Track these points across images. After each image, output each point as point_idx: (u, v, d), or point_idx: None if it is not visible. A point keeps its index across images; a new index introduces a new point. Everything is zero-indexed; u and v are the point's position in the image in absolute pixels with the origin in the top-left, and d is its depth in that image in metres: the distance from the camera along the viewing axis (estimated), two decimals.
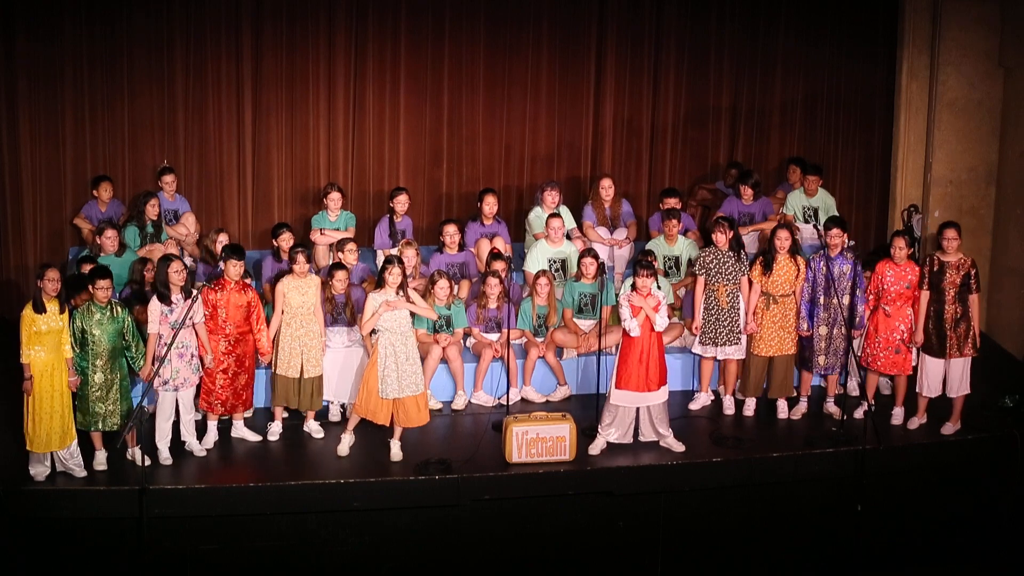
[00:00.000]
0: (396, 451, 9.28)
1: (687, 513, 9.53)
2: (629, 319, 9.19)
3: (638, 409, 9.40)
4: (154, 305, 9.00)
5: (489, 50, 12.43)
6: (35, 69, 11.47)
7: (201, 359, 9.22)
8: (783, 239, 9.98)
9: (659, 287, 10.56)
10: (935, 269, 9.71)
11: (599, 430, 9.46)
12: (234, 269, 9.31)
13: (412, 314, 9.29)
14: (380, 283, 9.29)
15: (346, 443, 9.37)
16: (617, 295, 10.63)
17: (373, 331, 9.24)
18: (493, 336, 10.47)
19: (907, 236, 9.99)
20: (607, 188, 11.67)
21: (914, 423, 9.99)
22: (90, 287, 8.81)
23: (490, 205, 11.41)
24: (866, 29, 12.86)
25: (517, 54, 12.48)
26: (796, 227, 11.27)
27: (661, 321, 9.23)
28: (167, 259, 9.08)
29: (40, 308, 8.56)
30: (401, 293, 9.19)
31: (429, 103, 12.40)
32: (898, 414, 10.07)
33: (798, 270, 9.98)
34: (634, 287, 9.32)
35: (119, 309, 8.90)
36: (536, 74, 12.56)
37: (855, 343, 10.07)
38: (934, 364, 9.80)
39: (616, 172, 12.58)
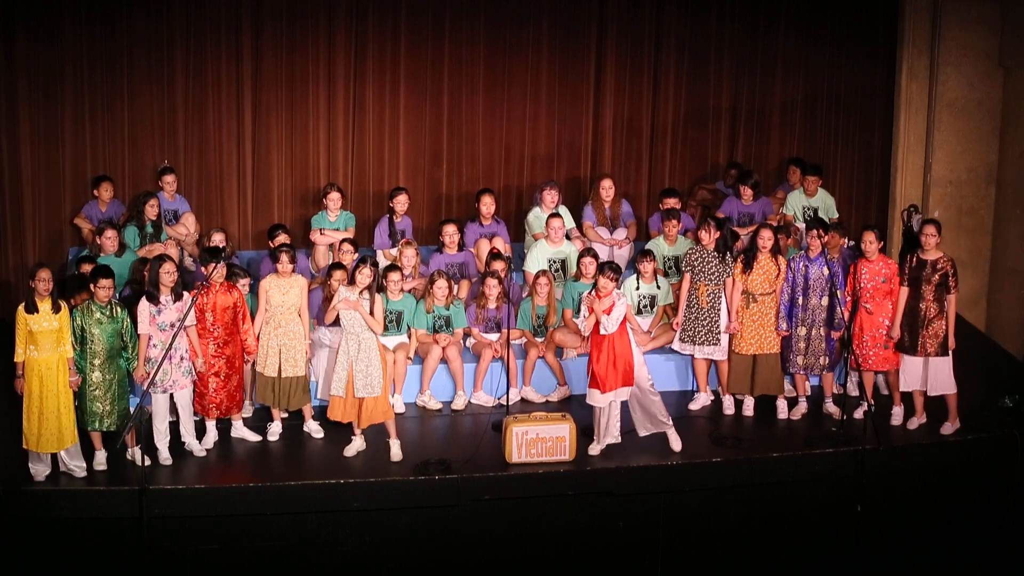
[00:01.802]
0: (396, 451, 9.28)
1: (687, 513, 9.53)
2: (582, 319, 9.21)
3: (623, 406, 9.40)
4: (143, 306, 8.99)
5: (489, 50, 12.43)
6: (35, 69, 11.47)
7: (193, 363, 9.21)
8: (766, 239, 10.00)
9: (659, 287, 10.60)
10: (914, 265, 9.72)
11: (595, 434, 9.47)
12: (216, 272, 9.26)
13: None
14: (351, 279, 9.28)
15: (355, 447, 9.36)
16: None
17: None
18: (493, 336, 10.47)
19: (876, 230, 9.96)
20: (607, 188, 11.67)
21: (914, 423, 9.99)
22: (92, 286, 8.82)
23: (487, 205, 11.41)
24: (866, 29, 12.86)
25: (517, 54, 12.48)
26: (796, 227, 11.28)
27: (610, 324, 9.14)
28: (161, 259, 9.08)
29: (32, 308, 8.57)
30: (366, 295, 9.18)
31: (429, 103, 12.40)
32: (898, 414, 10.07)
33: (779, 270, 10.01)
34: (595, 287, 9.31)
35: (118, 309, 8.90)
36: (536, 74, 12.56)
37: (832, 343, 10.09)
38: (909, 360, 9.80)
39: (616, 172, 12.58)
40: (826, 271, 9.89)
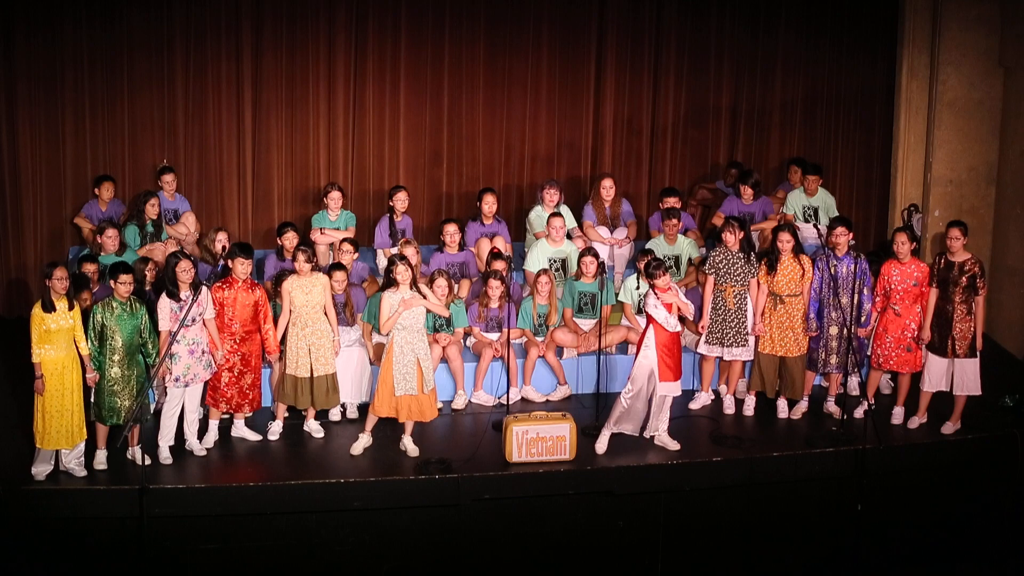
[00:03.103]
0: (412, 447, 9.31)
1: (687, 513, 9.52)
2: (668, 317, 9.17)
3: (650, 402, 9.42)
4: (164, 303, 9.01)
5: (489, 50, 12.44)
6: (35, 69, 11.47)
7: (213, 356, 9.23)
8: (785, 241, 9.98)
9: None
10: (942, 267, 9.73)
11: (605, 427, 9.43)
12: (242, 267, 9.30)
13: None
14: (388, 283, 9.29)
15: (361, 444, 9.36)
16: (617, 294, 10.65)
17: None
18: (495, 335, 10.47)
19: (909, 231, 9.99)
20: (608, 188, 11.68)
21: (914, 422, 9.99)
22: (112, 282, 8.84)
23: (489, 204, 11.41)
24: (866, 29, 12.87)
25: (517, 54, 12.49)
26: (796, 226, 11.27)
27: (688, 308, 9.39)
28: (175, 257, 9.09)
29: (49, 307, 8.57)
30: (415, 289, 9.21)
31: (429, 103, 12.41)
32: (898, 413, 10.07)
33: (803, 270, 9.99)
34: (654, 290, 9.28)
35: (138, 305, 8.91)
36: (536, 74, 12.57)
37: (861, 341, 10.08)
38: (936, 361, 9.81)
39: (616, 172, 12.58)
40: (854, 268, 9.87)
